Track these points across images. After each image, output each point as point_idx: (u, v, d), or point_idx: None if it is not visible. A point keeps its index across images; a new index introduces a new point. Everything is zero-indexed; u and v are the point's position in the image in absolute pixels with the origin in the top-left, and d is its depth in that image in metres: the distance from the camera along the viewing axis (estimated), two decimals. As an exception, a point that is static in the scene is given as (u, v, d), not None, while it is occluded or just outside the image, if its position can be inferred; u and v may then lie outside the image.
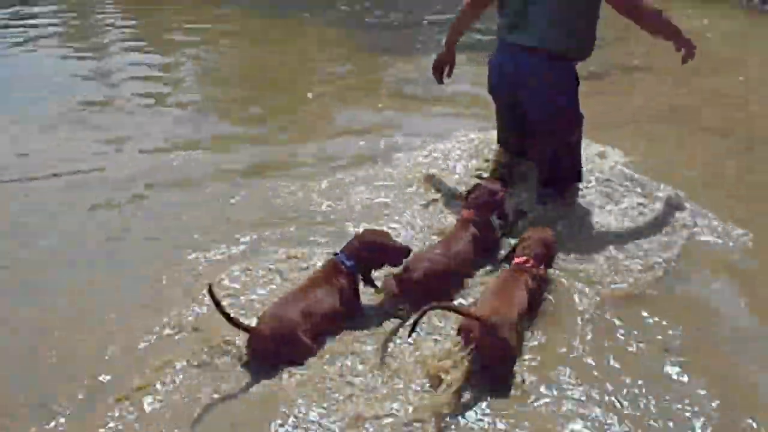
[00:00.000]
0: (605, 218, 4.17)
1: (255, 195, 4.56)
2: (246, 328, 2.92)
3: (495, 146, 4.76)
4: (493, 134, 4.76)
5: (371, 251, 3.30)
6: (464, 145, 5.14)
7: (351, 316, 3.22)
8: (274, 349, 2.91)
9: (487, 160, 4.78)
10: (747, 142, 5.44)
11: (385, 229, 3.69)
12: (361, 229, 3.59)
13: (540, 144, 4.25)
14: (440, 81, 4.60)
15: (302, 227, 4.08)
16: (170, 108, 6.52)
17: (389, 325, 3.18)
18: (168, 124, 6.04)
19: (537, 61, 4.02)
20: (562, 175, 4.30)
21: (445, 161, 4.95)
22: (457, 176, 4.70)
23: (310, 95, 6.86)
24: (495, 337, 2.80)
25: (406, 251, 3.39)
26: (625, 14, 3.93)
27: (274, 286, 3.46)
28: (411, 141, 5.40)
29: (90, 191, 4.68)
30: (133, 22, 10.49)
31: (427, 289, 3.22)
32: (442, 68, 4.55)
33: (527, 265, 3.25)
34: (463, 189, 4.29)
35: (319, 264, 3.43)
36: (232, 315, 2.89)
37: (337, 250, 3.34)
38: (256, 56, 8.55)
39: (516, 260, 3.30)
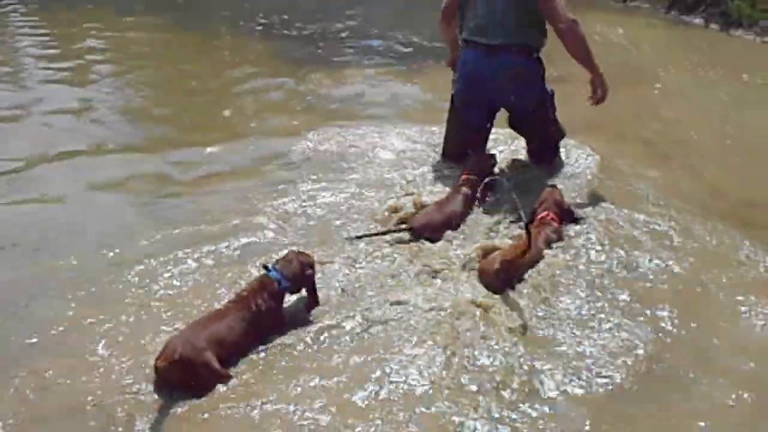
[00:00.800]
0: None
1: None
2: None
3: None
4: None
5: (309, 272, 3.28)
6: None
7: (275, 332, 3.15)
8: (183, 377, 2.77)
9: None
10: (664, 150, 5.47)
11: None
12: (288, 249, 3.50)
13: (528, 125, 4.77)
14: None
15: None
16: (80, 114, 6.26)
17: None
18: (78, 130, 5.86)
19: (509, 56, 4.44)
20: (552, 141, 4.87)
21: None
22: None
23: (226, 113, 6.55)
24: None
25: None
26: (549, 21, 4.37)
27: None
28: (333, 148, 5.32)
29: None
30: (42, 30, 9.93)
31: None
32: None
33: (549, 218, 3.90)
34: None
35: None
36: None
37: (269, 266, 3.26)
38: (169, 67, 8.20)
39: (540, 216, 3.93)
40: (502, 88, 4.54)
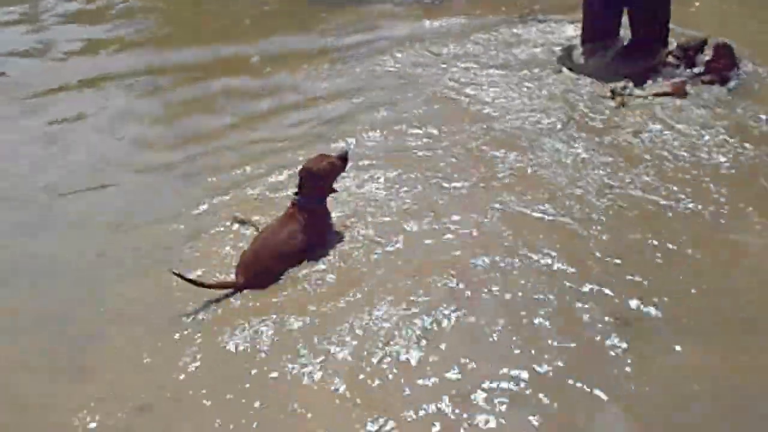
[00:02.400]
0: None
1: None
2: (226, 285, 3.50)
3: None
4: None
5: (326, 180, 3.77)
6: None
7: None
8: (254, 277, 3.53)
9: None
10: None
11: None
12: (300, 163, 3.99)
13: (639, 15, 5.61)
14: None
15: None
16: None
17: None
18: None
19: None
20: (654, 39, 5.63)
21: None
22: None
23: (255, 59, 6.55)
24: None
25: (345, 154, 3.88)
26: None
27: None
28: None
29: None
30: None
31: None
32: None
33: (720, 66, 5.18)
34: None
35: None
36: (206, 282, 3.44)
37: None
38: (186, 12, 8.19)
39: (714, 64, 5.20)
40: None
